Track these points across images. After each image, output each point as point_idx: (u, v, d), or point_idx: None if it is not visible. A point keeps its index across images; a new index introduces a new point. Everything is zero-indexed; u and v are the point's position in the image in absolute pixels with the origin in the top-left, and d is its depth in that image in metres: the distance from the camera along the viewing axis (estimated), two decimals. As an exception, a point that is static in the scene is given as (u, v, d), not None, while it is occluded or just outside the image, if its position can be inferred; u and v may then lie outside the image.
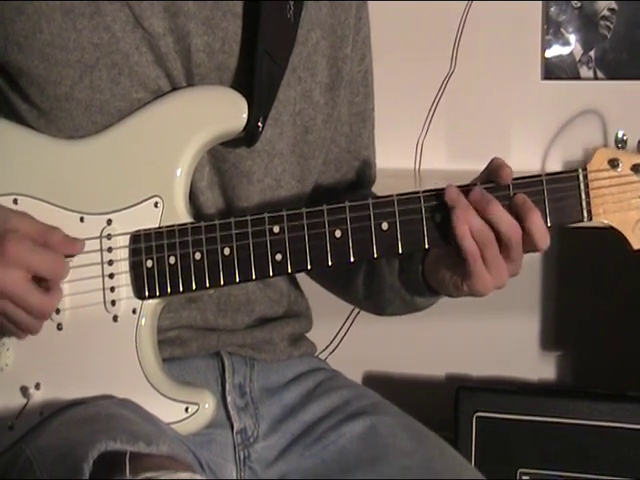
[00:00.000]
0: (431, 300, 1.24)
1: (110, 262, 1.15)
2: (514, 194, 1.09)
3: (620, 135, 1.10)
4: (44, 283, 1.13)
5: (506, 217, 1.07)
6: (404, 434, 1.21)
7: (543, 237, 1.08)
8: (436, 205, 1.10)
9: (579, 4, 2.31)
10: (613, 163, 1.09)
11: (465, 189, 1.10)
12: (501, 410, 2.02)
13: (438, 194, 1.10)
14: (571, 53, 2.32)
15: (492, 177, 1.10)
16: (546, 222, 1.09)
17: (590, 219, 1.09)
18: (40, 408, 1.14)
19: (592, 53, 2.32)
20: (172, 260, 1.13)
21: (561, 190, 1.09)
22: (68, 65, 1.15)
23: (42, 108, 1.18)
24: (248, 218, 1.13)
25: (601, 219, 1.09)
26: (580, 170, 1.09)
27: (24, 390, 1.15)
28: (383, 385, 2.43)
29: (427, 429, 1.24)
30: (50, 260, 1.12)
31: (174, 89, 1.18)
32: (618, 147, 1.10)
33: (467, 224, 1.07)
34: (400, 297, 1.25)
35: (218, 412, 1.17)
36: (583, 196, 1.09)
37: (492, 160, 1.11)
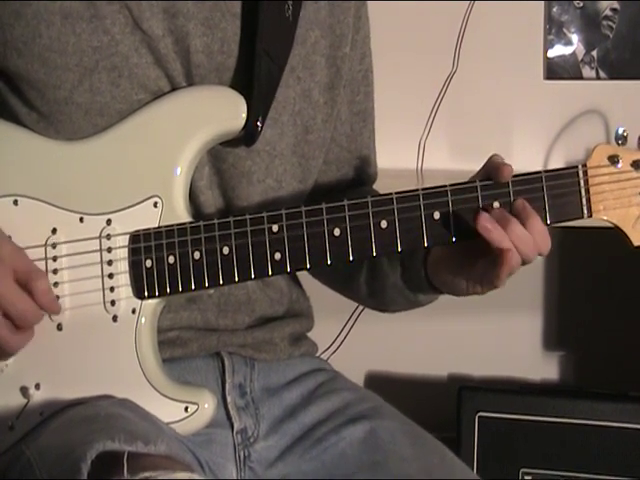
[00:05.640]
0: (435, 296, 1.24)
1: (109, 262, 1.15)
2: (514, 200, 1.09)
3: (620, 131, 1.09)
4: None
5: (525, 237, 1.07)
6: (404, 439, 1.20)
7: (543, 242, 1.08)
8: (435, 203, 1.10)
9: (581, 4, 2.30)
10: (613, 159, 1.09)
11: (463, 187, 1.10)
12: (503, 410, 2.02)
13: (437, 192, 1.10)
14: (573, 53, 2.32)
15: (491, 175, 1.10)
16: (546, 219, 1.09)
17: (590, 216, 1.09)
18: (40, 408, 1.14)
19: (594, 53, 2.32)
20: (171, 260, 1.13)
21: (561, 187, 1.09)
22: (68, 69, 1.15)
23: (42, 112, 1.17)
24: (247, 217, 1.12)
25: (601, 216, 1.09)
26: (580, 167, 1.09)
27: (24, 390, 1.15)
28: (385, 385, 2.43)
29: (428, 434, 1.23)
30: (24, 306, 1.11)
31: (174, 89, 1.18)
32: (618, 143, 1.09)
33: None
34: (403, 295, 1.25)
35: (218, 412, 1.17)
36: (583, 193, 1.09)
37: (491, 157, 1.11)
